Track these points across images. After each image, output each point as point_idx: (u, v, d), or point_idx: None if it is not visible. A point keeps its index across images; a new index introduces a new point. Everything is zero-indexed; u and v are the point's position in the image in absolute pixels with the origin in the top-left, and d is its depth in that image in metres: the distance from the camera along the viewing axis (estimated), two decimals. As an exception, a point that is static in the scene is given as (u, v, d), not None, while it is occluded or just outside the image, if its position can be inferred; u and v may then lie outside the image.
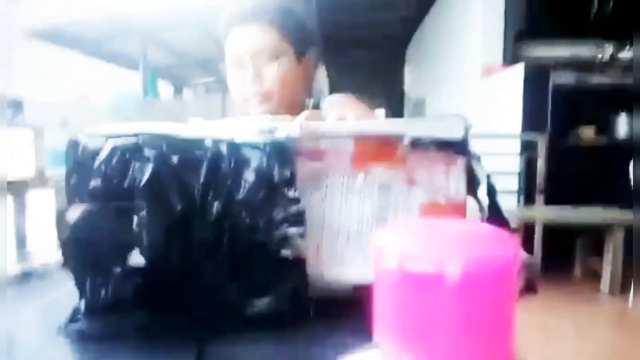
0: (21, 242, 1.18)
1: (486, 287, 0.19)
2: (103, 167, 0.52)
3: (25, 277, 0.80)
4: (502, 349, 0.20)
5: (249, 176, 0.52)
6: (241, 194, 0.52)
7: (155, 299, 0.52)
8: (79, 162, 0.53)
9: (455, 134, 0.55)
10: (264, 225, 0.52)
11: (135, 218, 0.51)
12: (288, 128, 0.55)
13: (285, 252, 0.52)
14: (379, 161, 0.56)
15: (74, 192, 0.52)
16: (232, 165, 0.52)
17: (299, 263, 0.52)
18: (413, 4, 6.81)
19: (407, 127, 0.55)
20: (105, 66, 5.43)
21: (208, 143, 0.53)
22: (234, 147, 0.53)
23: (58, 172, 1.81)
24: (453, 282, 0.18)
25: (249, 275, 0.53)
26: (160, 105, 4.93)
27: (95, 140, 0.53)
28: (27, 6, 3.69)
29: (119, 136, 0.53)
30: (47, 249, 0.99)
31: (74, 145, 0.53)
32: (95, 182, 0.52)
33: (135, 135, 0.53)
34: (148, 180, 0.51)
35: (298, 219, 0.52)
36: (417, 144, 0.55)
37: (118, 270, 0.51)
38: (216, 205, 0.52)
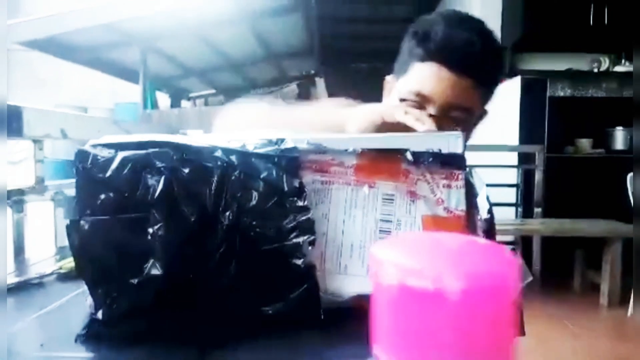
0: (19, 252, 1.18)
1: (485, 302, 0.19)
2: (114, 179, 0.52)
3: (23, 287, 0.80)
4: (501, 362, 0.20)
5: (259, 186, 0.53)
6: (252, 204, 0.53)
7: (170, 308, 0.53)
8: (88, 173, 0.53)
9: (456, 149, 0.56)
10: (274, 234, 0.52)
11: (150, 230, 0.51)
12: (295, 140, 0.56)
13: (296, 260, 0.52)
14: (382, 175, 0.57)
15: (84, 203, 0.53)
16: (242, 175, 0.53)
17: (309, 270, 0.53)
18: (412, 17, 6.86)
19: (409, 142, 0.57)
20: (104, 77, 5.45)
21: (218, 154, 0.54)
22: (243, 157, 0.54)
23: (57, 182, 1.81)
24: (452, 297, 0.19)
25: (261, 283, 0.53)
26: (160, 116, 4.94)
27: (104, 151, 0.53)
28: (25, 17, 3.71)
29: (128, 147, 0.53)
30: (45, 259, 0.99)
31: (83, 155, 0.53)
32: (106, 194, 0.52)
33: (145, 146, 0.53)
34: (161, 193, 0.51)
35: (308, 228, 0.53)
36: (418, 158, 0.56)
37: (133, 281, 0.51)
38: (227, 216, 0.52)
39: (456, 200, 0.57)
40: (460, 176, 0.57)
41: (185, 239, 0.52)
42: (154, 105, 5.49)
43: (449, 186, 0.57)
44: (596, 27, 4.02)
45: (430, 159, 0.56)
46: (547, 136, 3.69)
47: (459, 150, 0.56)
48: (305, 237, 0.53)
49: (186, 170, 0.52)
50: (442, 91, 0.79)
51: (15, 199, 1.22)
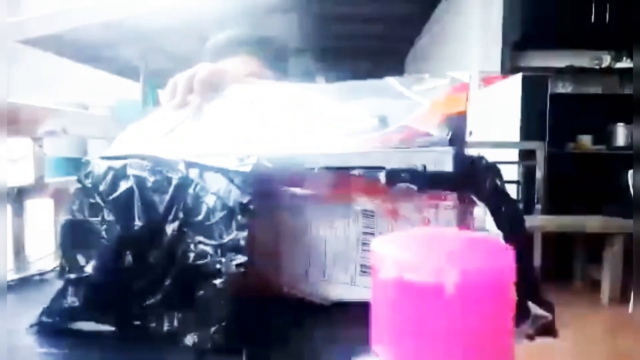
0: (19, 249, 1.17)
1: (484, 297, 0.19)
2: (98, 186, 0.55)
3: (23, 284, 0.80)
4: (500, 358, 0.20)
5: (210, 200, 0.51)
6: (198, 218, 0.51)
7: (101, 310, 0.53)
8: (84, 182, 0.57)
9: (443, 166, 0.50)
10: (212, 251, 0.50)
11: (97, 231, 0.53)
12: (267, 156, 0.53)
13: (221, 282, 0.49)
14: (360, 192, 0.54)
15: (80, 208, 0.56)
16: (197, 188, 0.52)
17: (235, 294, 0.49)
18: (411, 16, 6.85)
19: (388, 157, 0.51)
20: (104, 75, 5.44)
21: (180, 166, 0.54)
22: (201, 170, 0.54)
23: (57, 180, 1.81)
24: (451, 292, 0.18)
25: (190, 303, 0.51)
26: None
27: (102, 163, 0.57)
28: (26, 14, 3.70)
29: (116, 158, 0.57)
30: (45, 256, 0.99)
31: (84, 166, 0.58)
32: (94, 200, 0.55)
33: (126, 157, 0.57)
34: (119, 197, 0.53)
35: (240, 247, 0.49)
36: (394, 177, 0.51)
37: (70, 277, 0.53)
38: (172, 227, 0.52)
39: (446, 221, 0.52)
40: (449, 196, 0.52)
41: (126, 245, 0.52)
42: (155, 103, 5.49)
43: (435, 206, 0.52)
44: (597, 24, 4.01)
45: (410, 178, 0.50)
46: (548, 133, 3.69)
47: (447, 168, 0.50)
48: (237, 258, 0.49)
49: (152, 179, 0.53)
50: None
51: (15, 196, 1.22)
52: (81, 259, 0.54)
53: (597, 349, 2.41)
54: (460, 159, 0.51)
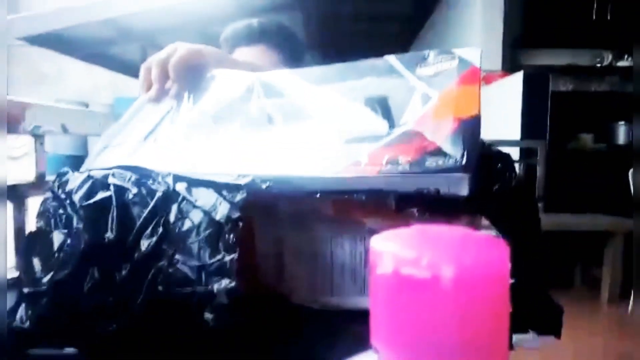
0: (20, 247, 1.18)
1: (480, 290, 0.19)
2: (73, 196, 0.52)
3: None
4: (496, 353, 0.20)
5: (196, 215, 0.46)
6: (179, 234, 0.46)
7: (58, 330, 0.49)
8: (56, 192, 0.54)
9: (457, 190, 0.45)
10: (193, 273, 0.44)
11: (67, 240, 0.49)
12: (257, 178, 0.48)
13: (208, 315, 0.43)
14: (367, 216, 0.50)
15: (56, 218, 0.53)
16: (183, 203, 0.47)
17: (220, 330, 0.43)
18: (411, 14, 6.84)
19: (397, 181, 0.46)
20: (104, 72, 5.44)
21: (168, 179, 0.49)
22: (190, 184, 0.49)
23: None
24: (448, 286, 0.19)
25: (159, 334, 0.46)
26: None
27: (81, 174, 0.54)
28: (25, 12, 3.70)
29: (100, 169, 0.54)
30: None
31: (59, 175, 0.55)
32: (71, 209, 0.51)
33: (110, 168, 0.53)
34: (92, 204, 0.49)
35: (227, 271, 0.43)
36: (406, 203, 0.46)
37: (27, 290, 0.50)
38: (148, 242, 0.46)
39: None
40: (463, 218, 0.48)
41: (91, 257, 0.48)
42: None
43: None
44: (598, 22, 4.00)
45: (421, 203, 0.46)
46: (549, 131, 3.69)
47: (463, 192, 0.44)
48: (224, 282, 0.43)
49: (134, 191, 0.49)
50: None
51: (16, 194, 1.23)
52: (39, 271, 0.50)
53: (596, 349, 2.41)
54: (477, 180, 0.45)
